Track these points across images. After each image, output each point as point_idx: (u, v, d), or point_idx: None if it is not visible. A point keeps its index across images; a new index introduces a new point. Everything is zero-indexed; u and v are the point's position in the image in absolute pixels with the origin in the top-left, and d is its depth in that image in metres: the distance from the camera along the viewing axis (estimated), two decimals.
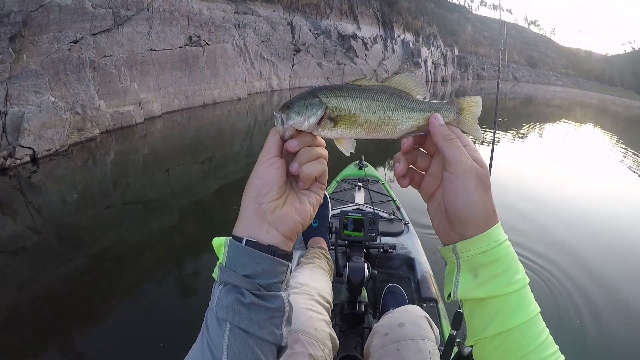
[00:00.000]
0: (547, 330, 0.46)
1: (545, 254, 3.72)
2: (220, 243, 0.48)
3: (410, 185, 0.55)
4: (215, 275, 0.47)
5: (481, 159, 0.48)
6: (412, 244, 2.15)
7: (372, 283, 1.61)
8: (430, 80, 29.75)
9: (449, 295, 0.49)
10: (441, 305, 1.72)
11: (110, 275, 3.42)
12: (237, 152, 8.09)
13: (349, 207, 2.49)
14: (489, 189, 0.48)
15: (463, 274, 0.48)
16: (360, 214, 1.74)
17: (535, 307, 0.46)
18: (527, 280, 0.47)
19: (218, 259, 0.48)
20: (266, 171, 0.48)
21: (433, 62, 31.31)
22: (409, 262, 2.00)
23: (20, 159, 6.10)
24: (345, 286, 1.65)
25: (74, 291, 3.21)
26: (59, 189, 5.63)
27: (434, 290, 1.79)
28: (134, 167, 6.80)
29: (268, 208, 0.48)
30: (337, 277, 1.65)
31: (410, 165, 0.54)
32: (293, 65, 19.40)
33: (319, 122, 0.50)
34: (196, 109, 11.88)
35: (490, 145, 2.78)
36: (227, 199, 5.38)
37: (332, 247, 1.76)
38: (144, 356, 2.46)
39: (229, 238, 0.48)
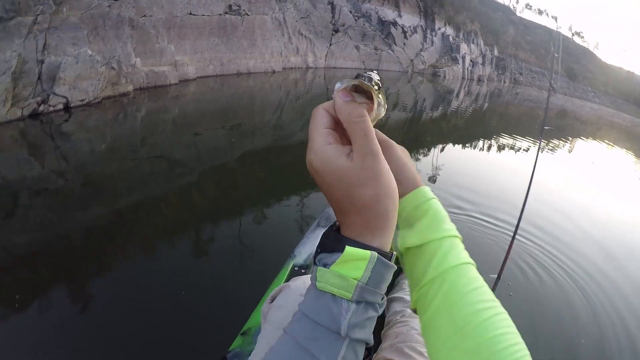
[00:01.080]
0: (486, 285, 0.48)
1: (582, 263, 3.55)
2: (360, 257, 0.41)
3: None
4: (327, 287, 0.40)
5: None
6: None
7: None
8: (466, 77, 28.87)
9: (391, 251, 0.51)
10: None
11: (129, 226, 3.40)
12: (266, 123, 7.93)
13: None
14: (410, 159, 0.57)
15: (401, 229, 0.53)
16: None
17: (470, 259, 0.50)
18: (459, 235, 0.52)
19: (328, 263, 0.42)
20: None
21: (471, 60, 30.32)
22: None
23: (53, 106, 6.14)
24: None
25: (92, 237, 3.19)
26: (89, 138, 5.63)
27: None
28: (164, 126, 6.77)
29: None
30: None
31: None
32: (330, 44, 19.18)
33: None
34: (230, 76, 11.86)
35: (536, 152, 2.63)
36: (251, 167, 5.28)
37: None
38: (160, 305, 2.43)
39: (376, 255, 0.41)
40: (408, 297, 1.40)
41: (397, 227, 0.53)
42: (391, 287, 1.67)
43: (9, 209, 3.49)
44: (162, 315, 2.35)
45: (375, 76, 0.44)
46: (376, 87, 0.43)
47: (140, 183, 4.31)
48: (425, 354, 1.03)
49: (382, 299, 0.43)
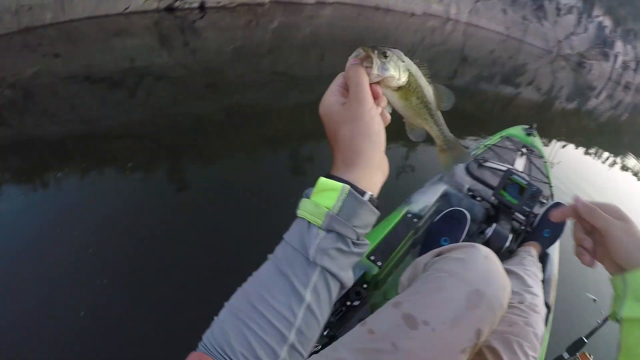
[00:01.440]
0: None
1: None
2: (331, 187, 0.43)
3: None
4: (304, 213, 0.43)
5: (621, 215, 0.57)
6: None
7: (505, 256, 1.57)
8: (612, 79, 24.07)
9: (614, 314, 0.55)
10: (552, 316, 1.58)
11: (238, 128, 3.33)
12: None
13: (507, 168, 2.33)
14: (638, 234, 0.55)
15: (628, 299, 0.53)
16: (526, 182, 1.69)
17: None
18: None
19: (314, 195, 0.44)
20: (381, 121, 0.48)
21: (624, 62, 25.30)
22: (542, 256, 1.81)
23: (189, 3, 6.07)
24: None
25: (202, 129, 3.17)
26: (217, 39, 5.53)
27: (552, 297, 1.64)
28: (292, 41, 6.49)
29: (384, 157, 0.48)
30: (478, 234, 1.63)
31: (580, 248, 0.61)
32: (477, 1, 17.33)
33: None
34: (368, 8, 11.22)
35: None
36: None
37: (478, 198, 1.79)
38: (264, 205, 2.33)
39: (347, 187, 0.42)
40: (529, 279, 1.25)
41: (625, 296, 0.54)
42: (508, 256, 1.57)
43: (132, 90, 3.64)
44: (266, 216, 2.20)
45: (386, 49, 0.46)
46: (382, 55, 0.46)
47: (257, 90, 4.14)
48: (531, 357, 0.95)
49: (359, 238, 0.43)
